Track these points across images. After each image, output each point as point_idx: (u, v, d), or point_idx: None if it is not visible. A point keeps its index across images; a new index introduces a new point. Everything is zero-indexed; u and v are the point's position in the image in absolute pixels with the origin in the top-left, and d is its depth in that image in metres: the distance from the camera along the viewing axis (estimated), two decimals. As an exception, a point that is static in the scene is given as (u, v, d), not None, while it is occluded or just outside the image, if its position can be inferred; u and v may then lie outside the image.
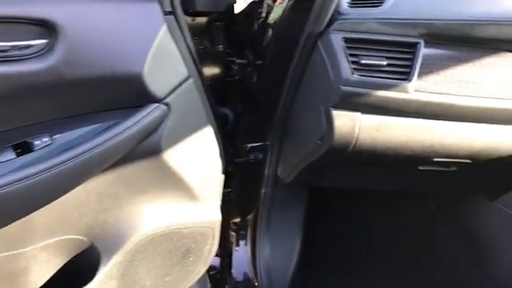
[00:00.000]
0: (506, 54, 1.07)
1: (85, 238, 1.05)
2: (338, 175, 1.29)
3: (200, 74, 1.04)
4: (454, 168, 1.19)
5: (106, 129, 0.93)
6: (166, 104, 0.96)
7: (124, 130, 0.93)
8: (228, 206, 1.41)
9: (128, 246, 1.07)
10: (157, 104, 0.95)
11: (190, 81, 1.01)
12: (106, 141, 0.92)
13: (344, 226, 1.61)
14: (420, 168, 1.20)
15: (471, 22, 1.04)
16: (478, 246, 1.49)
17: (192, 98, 1.03)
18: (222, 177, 1.20)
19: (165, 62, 0.95)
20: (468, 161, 1.15)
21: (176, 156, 1.02)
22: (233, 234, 1.43)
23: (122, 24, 0.90)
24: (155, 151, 0.99)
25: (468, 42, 1.06)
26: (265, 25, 1.24)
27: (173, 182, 1.07)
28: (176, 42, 0.96)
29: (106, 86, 0.90)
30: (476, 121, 1.09)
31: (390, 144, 1.09)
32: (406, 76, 1.01)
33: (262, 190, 1.33)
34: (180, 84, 0.99)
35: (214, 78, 1.20)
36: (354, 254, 1.56)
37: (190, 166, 1.07)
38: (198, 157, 1.09)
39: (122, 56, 0.89)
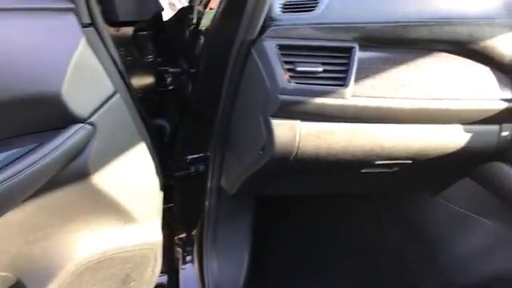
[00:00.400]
0: (439, 54, 1.08)
1: (10, 274, 0.95)
2: (283, 183, 1.26)
3: (128, 87, 0.97)
4: (396, 169, 1.19)
5: (26, 154, 0.85)
6: (91, 123, 0.89)
7: (45, 155, 0.85)
8: (171, 221, 1.35)
9: (61, 277, 0.99)
10: (81, 124, 0.87)
11: (117, 96, 0.94)
12: (26, 167, 0.84)
13: (294, 231, 1.59)
14: (363, 171, 1.19)
15: (404, 24, 1.03)
16: (425, 240, 1.51)
17: (120, 114, 0.96)
18: (161, 194, 1.13)
19: (86, 78, 0.87)
20: (409, 161, 1.16)
21: (106, 177, 0.95)
22: (179, 250, 1.37)
23: (34, 40, 0.82)
24: (82, 175, 0.91)
25: (402, 43, 1.05)
26: (196, 32, 1.18)
27: (105, 206, 0.99)
28: (98, 55, 0.88)
29: (24, 109, 0.82)
30: (414, 122, 1.09)
31: (332, 150, 1.07)
32: (343, 82, 0.99)
33: (206, 203, 1.28)
34: (106, 101, 0.92)
35: (145, 90, 1.13)
36: (305, 260, 1.54)
37: (123, 186, 1.00)
38: (132, 175, 1.03)
39: (37, 75, 0.81)
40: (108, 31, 0.91)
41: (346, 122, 1.05)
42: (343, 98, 1.00)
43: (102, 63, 0.89)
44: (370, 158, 1.12)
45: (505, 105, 1.11)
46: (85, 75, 0.86)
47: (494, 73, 1.11)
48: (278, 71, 0.97)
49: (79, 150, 0.88)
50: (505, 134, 1.16)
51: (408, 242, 1.56)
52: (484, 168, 1.24)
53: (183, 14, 1.23)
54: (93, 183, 0.93)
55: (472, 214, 1.36)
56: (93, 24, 0.87)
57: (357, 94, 1.02)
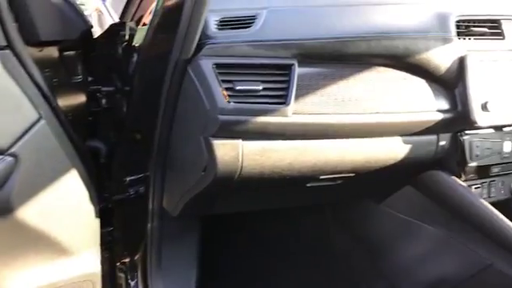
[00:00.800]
0: (377, 68, 1.09)
1: None
2: (229, 202, 1.23)
3: (55, 111, 0.90)
4: (340, 181, 1.19)
5: None
6: (13, 155, 0.81)
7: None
8: (112, 246, 1.28)
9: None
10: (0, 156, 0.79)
11: (42, 122, 0.86)
12: None
13: (243, 246, 1.56)
14: (308, 185, 1.18)
15: (342, 40, 1.03)
16: (371, 246, 1.53)
17: (46, 141, 0.88)
18: (97, 220, 1.07)
19: (4, 105, 0.79)
20: (352, 174, 1.16)
21: (33, 211, 0.87)
22: (122, 275, 1.30)
23: None
24: (4, 210, 0.83)
25: (341, 59, 1.05)
26: (129, 48, 1.12)
27: (34, 240, 0.92)
28: (17, 79, 0.81)
29: None
30: (356, 136, 1.09)
31: (276, 168, 1.05)
32: (284, 99, 0.97)
33: (149, 225, 1.22)
34: (29, 128, 0.84)
35: (76, 112, 1.06)
36: (254, 274, 1.52)
37: (53, 217, 0.93)
38: (63, 205, 0.95)
39: None
40: (29, 52, 0.84)
41: (289, 139, 1.03)
42: (284, 116, 0.98)
43: (22, 88, 0.82)
44: (315, 173, 1.11)
45: (441, 116, 1.13)
46: (1, 103, 0.78)
47: (430, 85, 1.13)
48: (216, 91, 0.93)
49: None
50: (442, 143, 1.19)
51: (354, 249, 1.57)
52: (424, 176, 1.27)
53: (114, 31, 1.16)
54: (18, 218, 0.85)
55: (414, 220, 1.38)
56: (9, 46, 0.79)
57: (298, 111, 1.00)
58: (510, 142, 1.25)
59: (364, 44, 1.04)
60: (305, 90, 1.01)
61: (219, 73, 0.94)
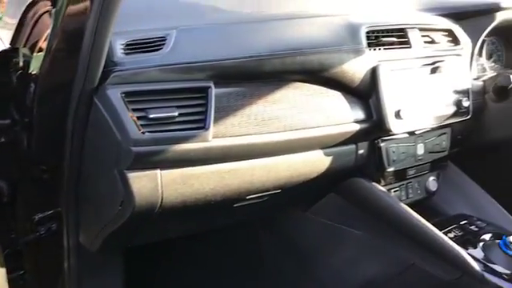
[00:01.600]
0: (294, 85, 1.08)
1: None
2: (151, 232, 1.16)
3: None
4: (266, 198, 1.18)
5: None
6: None
7: None
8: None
9: None
10: None
11: None
12: None
13: (174, 270, 1.50)
14: (235, 205, 1.15)
15: (257, 58, 1.00)
16: (301, 254, 1.54)
17: None
18: (2, 268, 0.95)
19: None
20: (278, 190, 1.15)
21: None
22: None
23: None
24: None
25: (258, 77, 1.02)
26: (25, 77, 1.00)
27: None
28: None
29: None
30: (279, 154, 1.07)
31: (199, 194, 1.00)
32: (202, 124, 0.93)
33: (66, 264, 1.11)
34: None
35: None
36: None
37: None
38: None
39: None
40: None
41: (211, 163, 0.99)
42: (205, 141, 0.93)
43: None
44: (241, 194, 1.08)
45: (358, 126, 1.16)
46: None
47: (346, 97, 1.15)
48: (128, 122, 0.86)
49: None
50: (361, 151, 1.22)
51: (286, 258, 1.58)
52: (346, 184, 1.30)
53: (7, 57, 1.03)
54: None
55: (340, 225, 1.41)
56: None
57: (219, 134, 0.96)
58: (422, 144, 1.31)
59: (279, 61, 1.02)
60: (224, 111, 0.97)
61: (129, 101, 0.87)
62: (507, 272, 1.07)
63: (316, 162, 1.15)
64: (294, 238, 1.56)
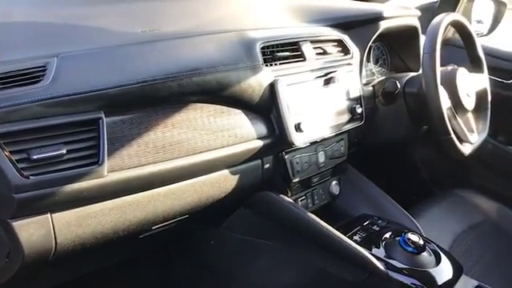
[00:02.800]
0: (194, 106, 1.03)
1: None
2: (50, 276, 1.05)
3: None
4: (174, 224, 1.13)
5: None
6: None
7: None
8: None
9: None
10: None
11: None
12: None
13: None
14: (141, 236, 1.09)
15: (151, 82, 0.93)
16: (216, 270, 1.52)
17: None
18: None
19: None
20: (185, 216, 1.11)
21: None
22: None
23: None
24: None
25: (154, 102, 0.96)
26: None
27: None
28: None
29: None
30: (184, 179, 1.03)
31: (99, 233, 0.92)
32: (95, 159, 0.85)
33: None
34: None
35: None
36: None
37: None
38: None
39: None
40: None
41: (109, 199, 0.91)
42: (99, 177, 0.86)
43: None
44: (146, 226, 1.02)
45: (262, 142, 1.16)
46: None
47: (248, 114, 1.14)
48: (6, 166, 0.75)
49: None
50: (267, 166, 1.23)
51: (201, 277, 1.54)
52: (255, 198, 1.30)
53: None
54: None
55: (253, 238, 1.41)
56: None
57: (115, 167, 0.89)
58: (323, 152, 1.36)
59: (176, 84, 0.97)
60: (119, 142, 0.90)
61: (6, 143, 0.76)
62: (407, 267, 1.14)
63: (223, 182, 1.13)
64: (207, 255, 1.53)
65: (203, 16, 1.22)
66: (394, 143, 1.72)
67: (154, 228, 1.05)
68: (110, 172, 0.88)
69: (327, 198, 1.46)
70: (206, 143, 1.04)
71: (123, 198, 0.93)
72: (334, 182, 1.47)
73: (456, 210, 1.67)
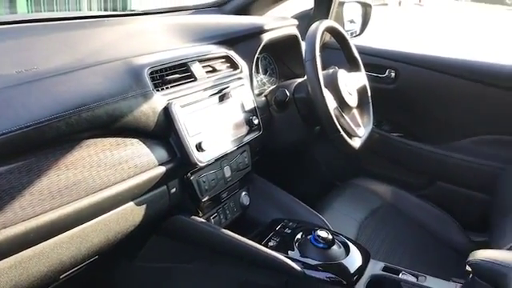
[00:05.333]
0: (87, 142, 0.99)
1: None
2: None
3: None
4: (84, 267, 1.07)
5: None
6: None
7: None
8: None
9: None
10: None
11: None
12: None
13: None
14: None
15: (35, 126, 0.86)
16: None
17: None
18: None
19: None
20: (96, 257, 1.06)
21: None
22: None
23: None
24: None
25: (43, 146, 0.90)
26: None
27: None
28: None
29: None
30: (88, 220, 0.98)
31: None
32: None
33: None
34: None
35: None
36: None
37: None
38: None
39: None
40: None
41: (5, 258, 0.84)
42: None
43: None
44: (52, 277, 0.95)
45: (164, 168, 1.14)
46: None
47: (146, 142, 1.12)
48: None
49: None
50: (173, 190, 1.22)
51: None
52: (166, 223, 1.28)
53: None
54: None
55: (171, 264, 1.39)
56: None
57: (7, 223, 0.82)
58: (228, 166, 1.38)
59: (63, 124, 0.92)
60: (8, 195, 0.83)
61: None
62: (321, 263, 1.20)
63: (130, 216, 1.10)
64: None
65: (83, 47, 1.17)
66: (294, 146, 1.81)
67: (61, 277, 0.99)
68: (2, 229, 0.81)
69: (239, 210, 1.49)
70: (106, 179, 1.00)
71: (22, 253, 0.87)
72: (243, 193, 1.50)
73: (357, 199, 1.80)
